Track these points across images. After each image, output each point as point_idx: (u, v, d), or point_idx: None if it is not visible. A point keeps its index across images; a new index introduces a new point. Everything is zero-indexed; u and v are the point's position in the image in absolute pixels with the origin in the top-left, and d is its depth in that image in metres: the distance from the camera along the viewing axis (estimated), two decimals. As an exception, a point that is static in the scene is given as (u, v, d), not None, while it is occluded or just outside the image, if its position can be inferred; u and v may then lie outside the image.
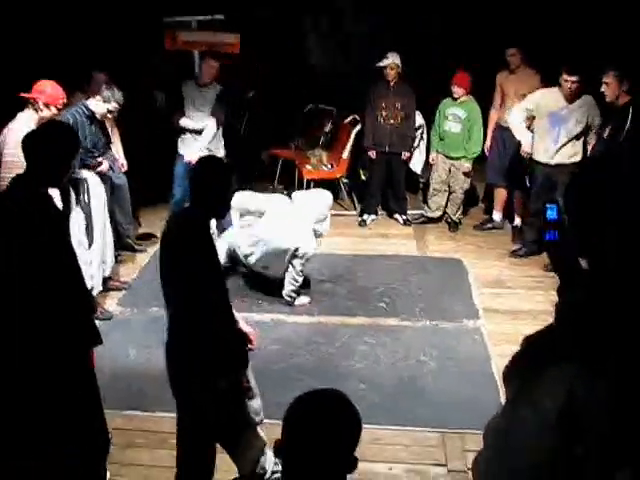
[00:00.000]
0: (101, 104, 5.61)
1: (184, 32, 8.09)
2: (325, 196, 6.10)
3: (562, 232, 1.71)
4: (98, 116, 5.71)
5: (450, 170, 7.49)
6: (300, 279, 5.85)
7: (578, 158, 6.31)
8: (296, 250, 5.67)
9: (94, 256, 5.55)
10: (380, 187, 7.93)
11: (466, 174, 7.44)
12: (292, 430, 1.83)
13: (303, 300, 5.99)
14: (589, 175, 1.72)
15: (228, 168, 3.45)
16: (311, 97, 9.35)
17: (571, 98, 6.22)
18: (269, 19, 9.44)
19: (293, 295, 5.90)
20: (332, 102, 9.11)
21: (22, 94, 4.98)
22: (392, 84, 7.42)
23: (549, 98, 6.37)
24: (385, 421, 4.33)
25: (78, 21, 7.32)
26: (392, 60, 7.31)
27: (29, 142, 3.30)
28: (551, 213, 1.72)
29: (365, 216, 7.94)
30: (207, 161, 3.56)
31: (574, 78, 6.08)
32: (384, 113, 7.49)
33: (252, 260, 5.94)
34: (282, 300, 5.92)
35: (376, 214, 8.03)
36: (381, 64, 7.37)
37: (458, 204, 7.57)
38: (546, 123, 6.37)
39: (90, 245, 5.46)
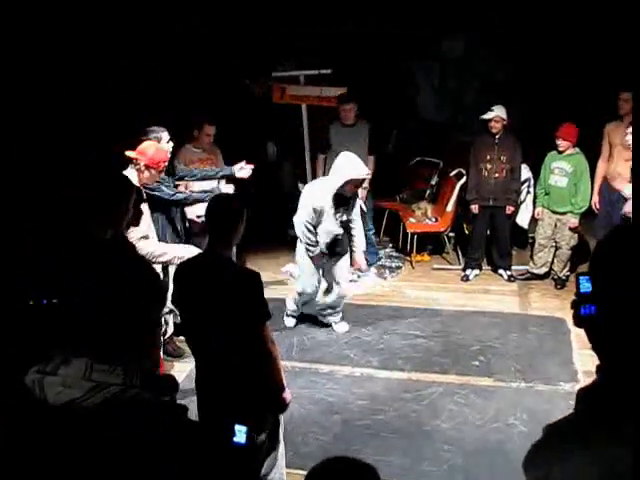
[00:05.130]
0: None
1: (292, 86, 8.31)
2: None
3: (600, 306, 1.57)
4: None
5: (556, 225, 7.21)
6: None
7: None
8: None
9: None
10: (483, 241, 7.75)
11: (573, 230, 7.13)
12: None
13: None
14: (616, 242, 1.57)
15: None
16: (418, 150, 9.34)
17: None
18: (377, 72, 9.53)
19: None
20: (438, 155, 9.06)
21: (127, 153, 4.99)
22: (497, 137, 7.27)
23: None
24: (464, 485, 4.16)
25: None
26: (497, 113, 7.16)
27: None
28: (588, 286, 1.58)
29: (468, 271, 7.75)
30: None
31: None
32: (488, 166, 7.31)
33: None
34: (373, 355, 5.84)
35: (480, 269, 7.84)
36: (486, 117, 7.25)
37: (564, 261, 7.26)
38: None
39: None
